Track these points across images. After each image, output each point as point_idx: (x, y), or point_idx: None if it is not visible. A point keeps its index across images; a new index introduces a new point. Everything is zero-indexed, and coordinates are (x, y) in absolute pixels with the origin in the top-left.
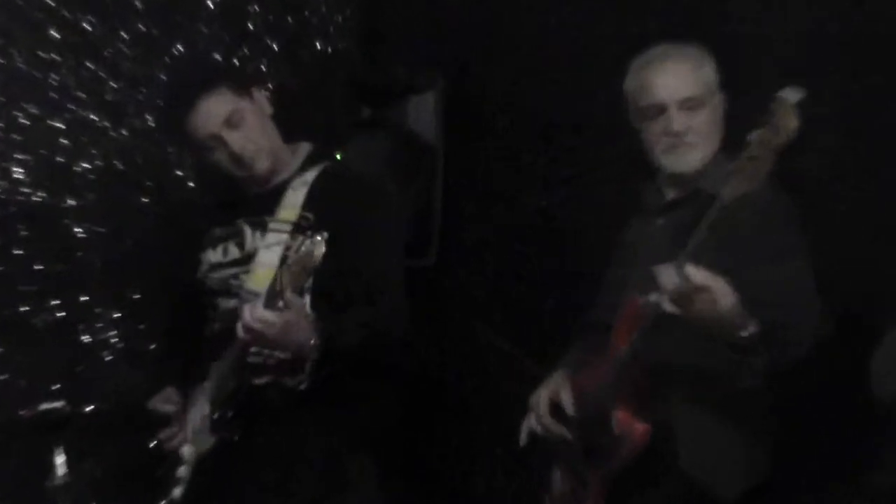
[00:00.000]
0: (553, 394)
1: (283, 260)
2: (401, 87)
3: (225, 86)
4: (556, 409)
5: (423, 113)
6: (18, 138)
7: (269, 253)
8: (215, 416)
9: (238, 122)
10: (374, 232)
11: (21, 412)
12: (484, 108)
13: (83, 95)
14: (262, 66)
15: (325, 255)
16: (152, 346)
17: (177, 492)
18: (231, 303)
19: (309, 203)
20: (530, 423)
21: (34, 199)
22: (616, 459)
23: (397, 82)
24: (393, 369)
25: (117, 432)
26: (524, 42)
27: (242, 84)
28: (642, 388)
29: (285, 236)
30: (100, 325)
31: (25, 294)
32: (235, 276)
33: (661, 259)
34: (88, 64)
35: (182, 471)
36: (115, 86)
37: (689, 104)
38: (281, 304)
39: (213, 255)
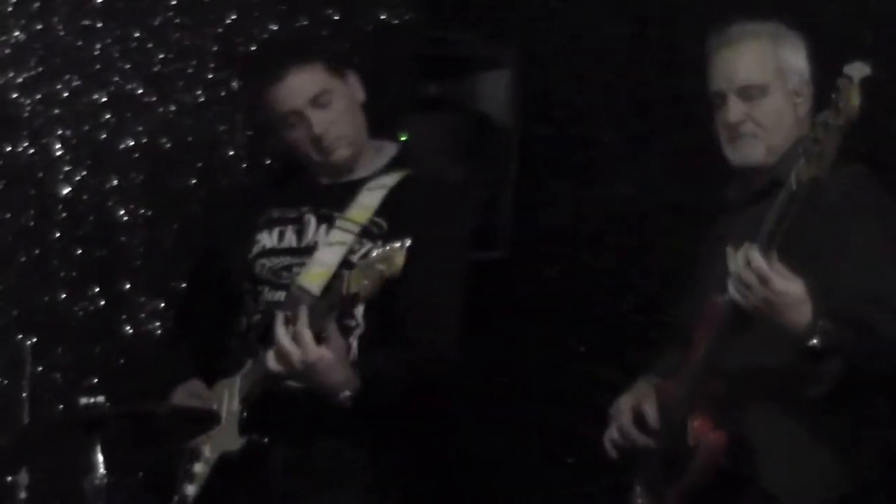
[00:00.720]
0: (637, 404)
1: (348, 264)
2: (471, 62)
3: (319, 61)
4: (639, 419)
5: (495, 91)
6: (58, 112)
7: (329, 251)
8: (244, 414)
9: (326, 103)
10: (446, 262)
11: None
12: (563, 86)
13: (128, 67)
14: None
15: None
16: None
17: (190, 489)
18: (277, 295)
19: (383, 209)
20: (612, 435)
21: (74, 178)
22: (691, 472)
23: (467, 56)
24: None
25: (159, 431)
26: (609, 13)
27: (338, 63)
28: (719, 395)
29: (350, 238)
30: (143, 315)
31: (63, 281)
32: (288, 267)
33: None
34: (134, 33)
35: (199, 468)
36: (162, 57)
37: (748, 92)
38: (325, 333)
39: (268, 239)
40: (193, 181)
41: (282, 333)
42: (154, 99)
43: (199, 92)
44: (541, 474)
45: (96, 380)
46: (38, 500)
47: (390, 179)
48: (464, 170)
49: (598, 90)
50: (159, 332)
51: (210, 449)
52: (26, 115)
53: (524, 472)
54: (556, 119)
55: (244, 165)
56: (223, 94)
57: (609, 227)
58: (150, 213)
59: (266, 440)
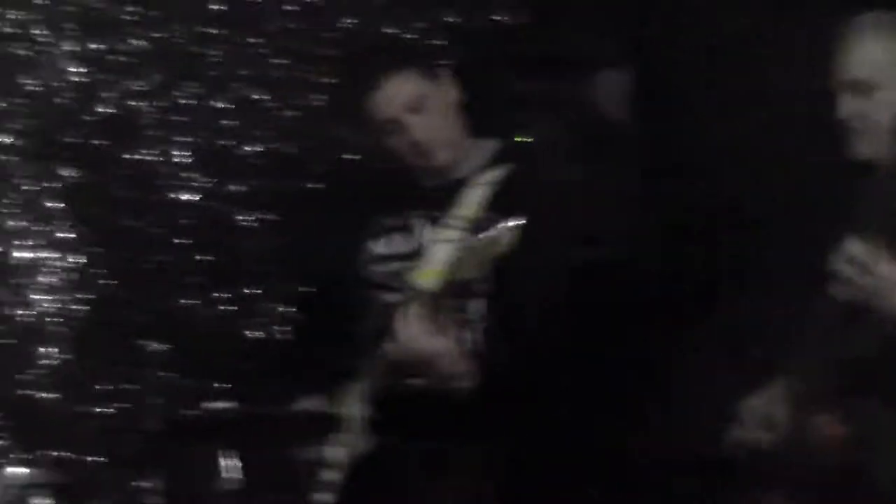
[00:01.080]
0: (763, 404)
1: (461, 247)
2: (587, 61)
3: (413, 67)
4: (766, 420)
5: (612, 89)
6: (178, 119)
7: (440, 250)
8: (370, 415)
9: (422, 108)
10: (556, 249)
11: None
12: (681, 83)
13: (247, 73)
14: (436, 42)
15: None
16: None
17: (322, 497)
18: (390, 297)
19: (489, 204)
20: (737, 434)
21: (195, 184)
22: (811, 469)
23: (582, 56)
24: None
25: (286, 435)
26: (727, 7)
27: (431, 67)
28: (837, 390)
29: (460, 234)
30: (269, 320)
31: (188, 287)
32: (400, 271)
33: None
34: (252, 39)
35: (329, 474)
36: (281, 62)
37: (858, 88)
38: (439, 324)
39: (378, 247)
40: (315, 186)
41: (397, 329)
42: (274, 104)
43: (318, 97)
44: (650, 475)
45: (224, 385)
46: None
47: (494, 175)
48: (580, 169)
49: (718, 87)
50: (286, 337)
51: (337, 454)
52: (147, 122)
53: (633, 474)
54: (674, 117)
55: (365, 170)
56: (342, 98)
57: (731, 224)
58: (273, 219)
59: (393, 439)
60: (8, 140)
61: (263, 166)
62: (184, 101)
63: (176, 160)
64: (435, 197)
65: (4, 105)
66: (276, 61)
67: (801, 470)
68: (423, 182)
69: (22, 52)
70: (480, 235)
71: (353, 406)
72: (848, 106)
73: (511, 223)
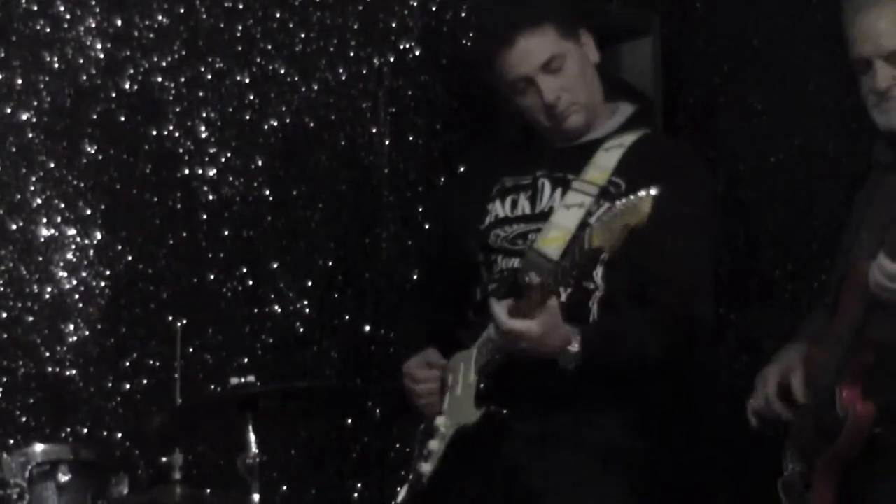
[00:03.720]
0: (783, 376)
1: (585, 220)
2: (613, 31)
3: (551, 24)
4: (785, 392)
5: (638, 60)
6: (202, 95)
7: (567, 214)
8: (481, 385)
9: (557, 68)
10: (694, 220)
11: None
12: (707, 53)
13: (270, 47)
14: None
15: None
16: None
17: (425, 467)
18: (512, 262)
19: (621, 169)
20: (755, 405)
21: (220, 159)
22: (840, 442)
23: (609, 25)
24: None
25: (310, 410)
26: None
27: (571, 25)
28: (868, 364)
29: (589, 200)
30: (291, 294)
31: (212, 262)
32: (523, 235)
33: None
34: (275, 12)
35: (434, 444)
36: (304, 36)
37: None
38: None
39: (501, 209)
40: (338, 159)
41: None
42: (297, 78)
43: (342, 70)
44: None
45: (247, 359)
46: (193, 479)
47: (628, 139)
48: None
49: (744, 57)
50: (307, 310)
51: (446, 423)
52: (171, 98)
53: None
54: (701, 87)
55: (388, 142)
56: (365, 71)
57: (757, 192)
58: (295, 192)
59: (505, 412)
60: (32, 117)
61: (287, 140)
62: (207, 77)
63: (199, 135)
64: (564, 158)
65: (28, 82)
66: (301, 35)
67: (825, 440)
68: (551, 143)
69: (45, 30)
70: (617, 203)
71: (465, 375)
72: (886, 75)
73: (644, 192)
